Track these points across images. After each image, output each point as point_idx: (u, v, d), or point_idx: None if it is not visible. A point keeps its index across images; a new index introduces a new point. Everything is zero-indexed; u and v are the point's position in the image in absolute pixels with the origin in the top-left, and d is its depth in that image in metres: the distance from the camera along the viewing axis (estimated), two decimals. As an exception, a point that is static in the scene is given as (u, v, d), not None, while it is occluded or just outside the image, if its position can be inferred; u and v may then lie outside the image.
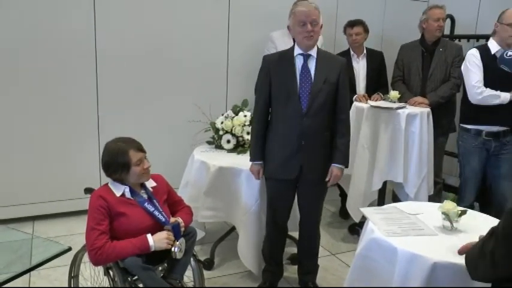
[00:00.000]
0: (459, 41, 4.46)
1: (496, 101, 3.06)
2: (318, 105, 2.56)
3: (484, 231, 1.50)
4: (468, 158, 3.30)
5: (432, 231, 2.02)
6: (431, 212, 2.20)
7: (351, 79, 3.80)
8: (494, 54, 3.07)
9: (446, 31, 4.54)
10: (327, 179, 2.68)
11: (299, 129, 2.57)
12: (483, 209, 3.39)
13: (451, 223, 2.04)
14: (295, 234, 3.00)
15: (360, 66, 3.95)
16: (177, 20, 3.99)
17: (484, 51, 3.14)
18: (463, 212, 2.04)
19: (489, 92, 3.07)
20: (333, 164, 2.66)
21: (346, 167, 2.72)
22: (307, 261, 2.91)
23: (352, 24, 3.92)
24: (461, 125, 3.33)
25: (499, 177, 3.18)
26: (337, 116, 2.65)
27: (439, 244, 1.91)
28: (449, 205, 2.04)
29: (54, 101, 3.69)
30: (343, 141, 2.66)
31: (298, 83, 2.57)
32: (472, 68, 3.14)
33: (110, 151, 2.22)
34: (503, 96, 3.04)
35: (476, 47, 3.22)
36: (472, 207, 2.94)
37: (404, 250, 1.84)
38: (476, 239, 1.61)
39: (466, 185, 3.35)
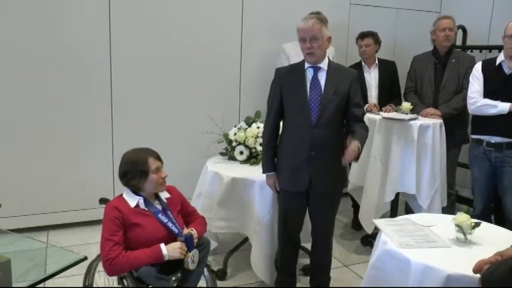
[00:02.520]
0: (471, 51, 4.45)
1: (493, 111, 3.06)
2: (328, 116, 2.57)
3: (498, 244, 1.49)
4: (471, 167, 3.33)
5: (446, 243, 2.02)
6: (445, 224, 2.19)
7: (362, 90, 3.80)
8: (498, 65, 3.10)
9: (458, 42, 4.54)
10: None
11: (309, 140, 2.57)
12: (498, 221, 3.37)
13: (465, 235, 2.03)
14: (308, 245, 3.00)
15: (371, 77, 3.96)
16: (191, 32, 4.04)
17: (488, 63, 3.18)
18: (477, 224, 2.04)
19: (484, 102, 3.09)
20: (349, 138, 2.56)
21: (361, 147, 2.52)
22: (320, 273, 2.90)
23: (362, 35, 3.94)
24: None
25: (502, 189, 3.16)
26: (354, 124, 2.59)
27: (452, 256, 1.91)
28: (463, 217, 2.04)
29: (68, 112, 3.74)
30: (362, 125, 2.59)
31: (308, 94, 2.59)
32: (472, 79, 3.23)
33: (129, 159, 2.27)
34: (502, 106, 3.02)
35: (483, 60, 3.26)
36: (486, 218, 2.91)
37: (418, 262, 1.84)
38: (491, 252, 1.58)
39: (473, 194, 3.39)
